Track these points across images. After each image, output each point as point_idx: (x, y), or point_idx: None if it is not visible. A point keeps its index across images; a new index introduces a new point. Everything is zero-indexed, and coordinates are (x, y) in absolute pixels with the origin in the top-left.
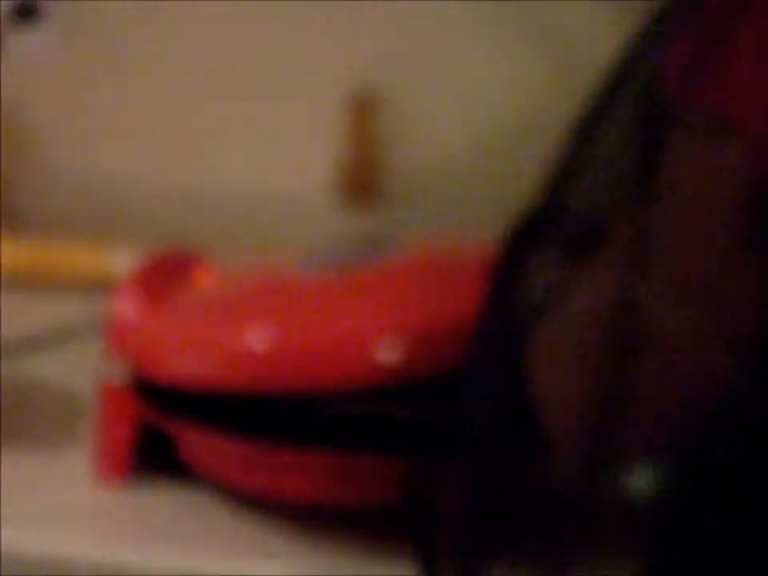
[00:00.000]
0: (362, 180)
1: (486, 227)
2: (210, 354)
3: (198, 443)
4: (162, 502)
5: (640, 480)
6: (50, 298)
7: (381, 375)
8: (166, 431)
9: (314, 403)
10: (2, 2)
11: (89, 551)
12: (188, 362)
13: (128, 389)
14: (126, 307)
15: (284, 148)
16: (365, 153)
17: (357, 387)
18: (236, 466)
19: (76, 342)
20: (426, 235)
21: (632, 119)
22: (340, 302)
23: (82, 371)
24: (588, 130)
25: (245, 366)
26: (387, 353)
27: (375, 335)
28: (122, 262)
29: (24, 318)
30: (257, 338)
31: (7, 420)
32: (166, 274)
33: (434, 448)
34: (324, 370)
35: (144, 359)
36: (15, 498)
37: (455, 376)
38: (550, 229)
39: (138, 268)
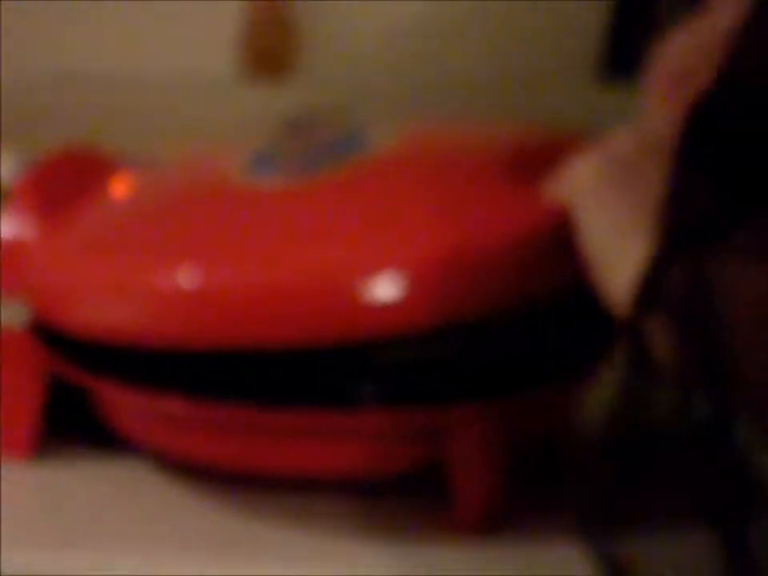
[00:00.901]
0: (270, 50)
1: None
2: (135, 297)
3: (129, 404)
4: (83, 481)
5: None
6: None
7: (374, 325)
8: (82, 387)
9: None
10: None
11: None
12: (107, 307)
13: (29, 335)
14: (19, 227)
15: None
16: (272, 16)
17: (339, 341)
18: (192, 434)
19: None
20: (413, 121)
21: None
22: (309, 222)
23: None
24: None
25: (187, 312)
26: (383, 294)
27: (365, 270)
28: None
29: None
30: (199, 276)
31: None
32: (67, 181)
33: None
34: (296, 319)
35: (49, 297)
36: None
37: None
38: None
39: (29, 175)
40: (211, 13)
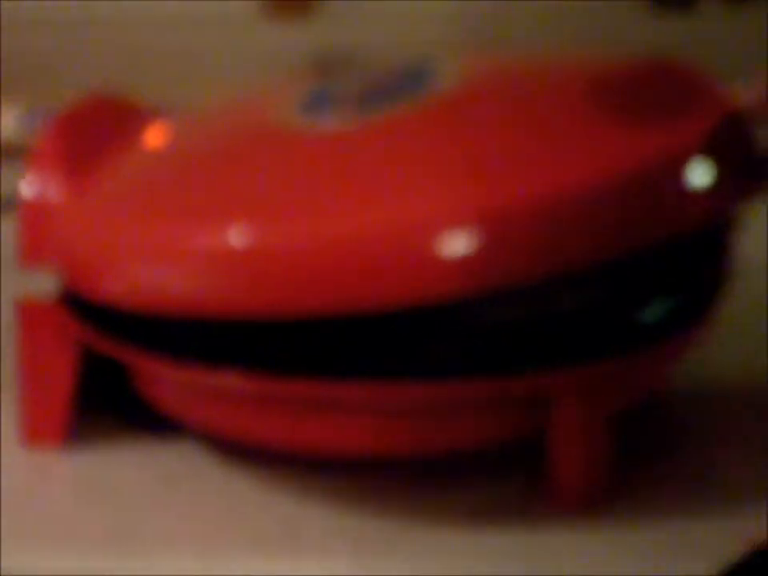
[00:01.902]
0: None
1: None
2: (181, 259)
3: (177, 380)
4: (126, 471)
5: None
6: None
7: (453, 285)
8: (121, 363)
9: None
10: None
11: (27, 561)
12: (150, 272)
13: (60, 305)
14: (43, 187)
15: None
16: None
17: (418, 303)
18: (251, 413)
19: None
20: (477, 55)
21: None
22: (375, 169)
23: None
24: None
25: (241, 275)
26: (462, 249)
27: (442, 223)
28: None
29: None
30: (253, 234)
31: None
32: (95, 133)
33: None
34: (365, 280)
35: (82, 262)
36: None
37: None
38: None
39: (51, 128)
40: None
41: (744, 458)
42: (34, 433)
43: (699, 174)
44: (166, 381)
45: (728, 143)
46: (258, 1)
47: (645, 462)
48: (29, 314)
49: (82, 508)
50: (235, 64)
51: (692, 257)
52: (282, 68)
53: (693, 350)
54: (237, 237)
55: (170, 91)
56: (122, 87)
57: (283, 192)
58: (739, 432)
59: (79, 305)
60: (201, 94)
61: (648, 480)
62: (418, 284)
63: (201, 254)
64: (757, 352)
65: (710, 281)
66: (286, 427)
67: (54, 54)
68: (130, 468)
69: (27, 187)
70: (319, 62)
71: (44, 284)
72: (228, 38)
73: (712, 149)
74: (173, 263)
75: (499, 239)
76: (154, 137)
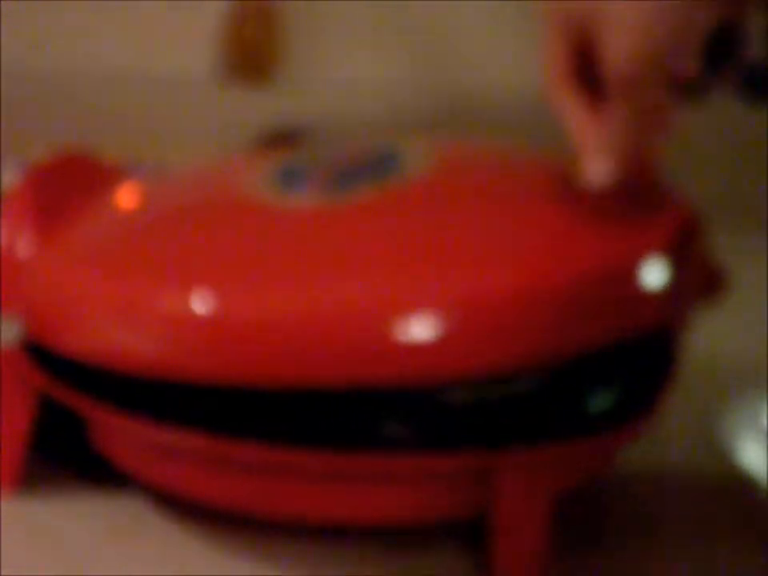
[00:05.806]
0: (255, 49)
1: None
2: (141, 321)
3: (129, 434)
4: (75, 519)
5: None
6: None
7: (410, 367)
8: (76, 412)
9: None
10: None
11: None
12: (109, 330)
13: (21, 354)
14: (13, 238)
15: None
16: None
17: (375, 381)
18: (200, 471)
19: None
20: (449, 140)
21: None
22: (343, 248)
23: None
24: None
25: (199, 341)
26: (423, 333)
27: (405, 307)
28: None
29: None
30: (215, 302)
31: None
32: (64, 188)
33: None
34: (321, 357)
35: (45, 315)
36: None
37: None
38: None
39: (22, 182)
40: (193, 14)
41: (681, 548)
42: None
43: (655, 276)
44: (118, 434)
45: (685, 248)
46: (221, 64)
47: (586, 542)
48: None
49: (30, 555)
50: (197, 124)
51: (642, 353)
52: (242, 131)
53: (637, 439)
54: (198, 303)
55: (133, 148)
56: (88, 142)
57: (252, 263)
58: (678, 521)
59: (40, 354)
60: (164, 151)
61: (588, 558)
62: (376, 363)
63: (161, 316)
64: (699, 440)
65: (657, 376)
66: (236, 488)
67: (22, 106)
68: (78, 518)
69: None
70: (277, 129)
71: (6, 331)
72: (192, 99)
73: (670, 253)
74: (133, 323)
75: (458, 327)
76: (124, 197)
